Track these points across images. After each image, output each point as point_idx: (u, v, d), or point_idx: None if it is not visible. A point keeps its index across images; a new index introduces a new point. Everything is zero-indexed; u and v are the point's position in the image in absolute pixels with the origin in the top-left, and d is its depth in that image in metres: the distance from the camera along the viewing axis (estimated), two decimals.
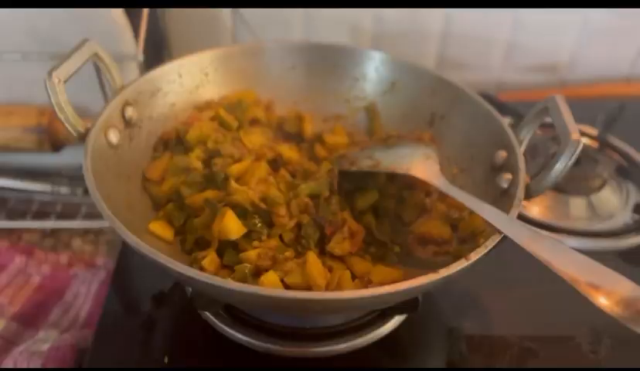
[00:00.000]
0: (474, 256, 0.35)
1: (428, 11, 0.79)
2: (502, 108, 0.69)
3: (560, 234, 0.57)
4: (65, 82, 0.43)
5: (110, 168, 0.45)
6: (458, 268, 0.34)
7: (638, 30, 0.83)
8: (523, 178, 0.41)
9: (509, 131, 0.46)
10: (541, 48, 0.84)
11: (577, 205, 0.62)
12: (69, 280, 0.62)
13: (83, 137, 0.44)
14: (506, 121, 0.56)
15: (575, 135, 0.38)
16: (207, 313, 0.49)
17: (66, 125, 0.43)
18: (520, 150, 0.44)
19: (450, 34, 0.81)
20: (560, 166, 0.38)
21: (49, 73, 0.42)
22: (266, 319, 0.48)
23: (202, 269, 0.42)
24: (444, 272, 0.34)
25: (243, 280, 0.40)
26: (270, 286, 0.39)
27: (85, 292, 0.61)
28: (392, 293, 0.32)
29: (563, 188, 0.63)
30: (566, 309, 0.52)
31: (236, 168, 0.47)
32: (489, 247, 0.35)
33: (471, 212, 0.42)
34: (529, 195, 0.41)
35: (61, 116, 0.42)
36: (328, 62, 0.59)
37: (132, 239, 0.35)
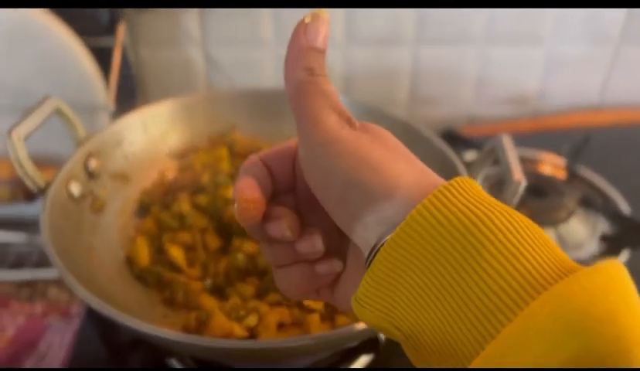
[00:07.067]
0: None
1: (396, 52, 0.81)
2: (467, 143, 0.70)
3: None
4: (25, 139, 0.44)
5: (71, 221, 0.46)
6: None
7: (602, 61, 0.85)
8: None
9: (462, 170, 0.47)
10: (509, 81, 0.85)
11: None
12: (44, 330, 0.62)
13: (44, 192, 0.45)
14: (471, 156, 0.57)
15: (517, 175, 0.39)
16: (174, 361, 0.49)
17: (26, 181, 0.44)
18: None
19: (419, 72, 0.83)
20: None
21: (9, 131, 0.43)
22: (237, 366, 0.48)
23: None
24: None
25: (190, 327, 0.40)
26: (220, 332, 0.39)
27: (59, 342, 0.61)
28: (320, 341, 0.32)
29: (533, 220, 0.63)
30: None
31: None
32: None
33: None
34: None
35: (20, 172, 0.44)
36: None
37: (83, 293, 0.36)
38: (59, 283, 0.67)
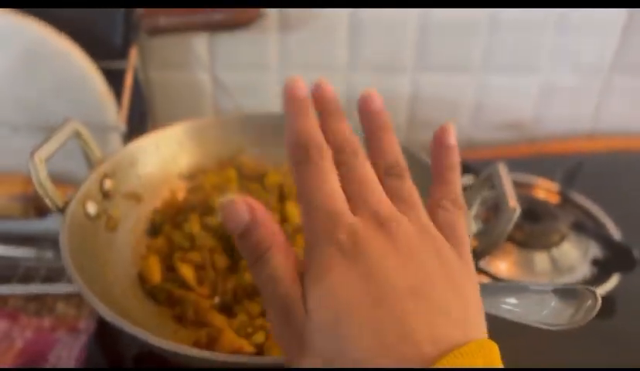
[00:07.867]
0: None
1: (397, 78, 0.84)
2: (464, 167, 0.72)
3: None
4: (46, 160, 0.46)
5: (87, 239, 0.48)
6: None
7: (595, 89, 0.88)
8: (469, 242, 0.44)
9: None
10: (506, 108, 0.88)
11: (540, 259, 0.65)
12: (52, 344, 0.64)
13: (61, 211, 0.47)
14: (468, 180, 0.60)
15: (512, 203, 0.42)
16: None
17: (46, 200, 0.46)
18: (469, 215, 0.47)
19: (418, 98, 0.86)
20: (499, 231, 0.42)
21: (32, 153, 0.46)
22: None
23: None
24: None
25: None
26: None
27: (67, 356, 0.63)
28: None
29: (527, 243, 0.66)
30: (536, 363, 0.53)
31: None
32: None
33: None
34: (476, 257, 0.44)
35: (41, 192, 0.46)
36: None
37: (101, 307, 0.38)
38: (66, 298, 0.68)
